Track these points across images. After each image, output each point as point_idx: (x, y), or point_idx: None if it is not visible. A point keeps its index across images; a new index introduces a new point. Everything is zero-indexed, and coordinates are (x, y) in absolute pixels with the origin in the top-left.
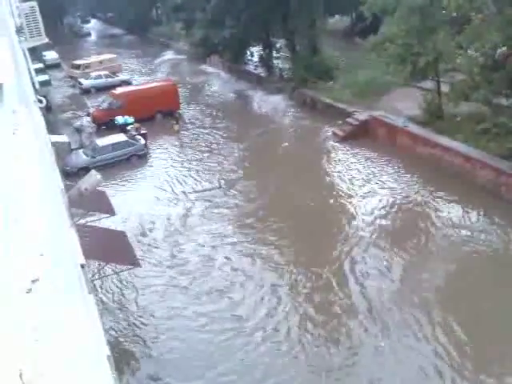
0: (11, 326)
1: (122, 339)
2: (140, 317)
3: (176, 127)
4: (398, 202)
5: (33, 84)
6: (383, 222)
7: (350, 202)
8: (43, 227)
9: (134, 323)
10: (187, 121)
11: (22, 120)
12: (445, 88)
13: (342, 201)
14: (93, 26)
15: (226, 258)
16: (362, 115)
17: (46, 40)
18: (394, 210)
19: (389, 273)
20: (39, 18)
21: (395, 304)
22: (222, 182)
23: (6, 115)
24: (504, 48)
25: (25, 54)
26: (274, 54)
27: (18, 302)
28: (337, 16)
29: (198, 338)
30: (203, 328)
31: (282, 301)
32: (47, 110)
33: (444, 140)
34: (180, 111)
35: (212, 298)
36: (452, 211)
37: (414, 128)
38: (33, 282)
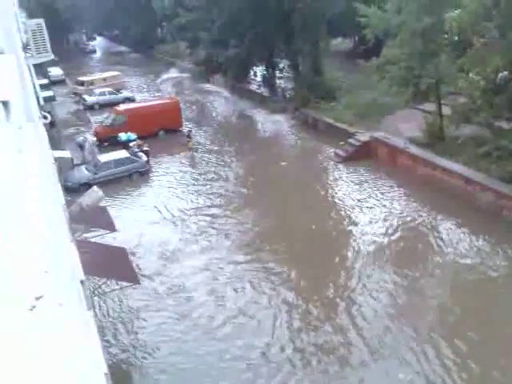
0: (14, 343)
1: (119, 356)
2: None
3: (190, 144)
4: (398, 223)
5: (37, 99)
6: (383, 244)
7: (351, 225)
8: (45, 243)
9: (131, 343)
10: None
11: (27, 136)
12: (446, 110)
13: (343, 223)
14: (98, 43)
15: (224, 281)
16: (363, 136)
17: (52, 57)
18: (394, 231)
19: (389, 298)
20: (46, 35)
21: (394, 335)
22: (222, 201)
23: (12, 131)
24: (506, 72)
25: (30, 70)
26: (277, 73)
27: (21, 320)
28: (339, 38)
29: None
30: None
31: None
32: (51, 126)
33: (445, 162)
34: (192, 129)
35: (211, 326)
36: (452, 234)
37: (414, 149)
38: (37, 299)
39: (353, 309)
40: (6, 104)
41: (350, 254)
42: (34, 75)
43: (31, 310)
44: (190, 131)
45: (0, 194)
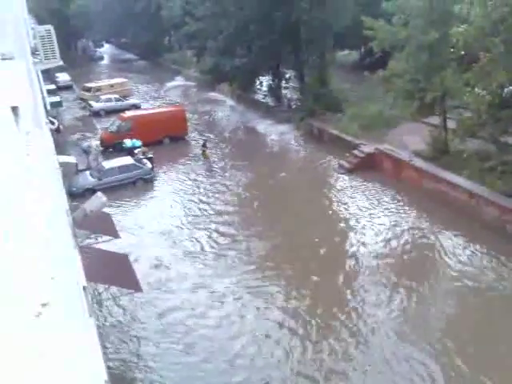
0: (17, 348)
1: (119, 363)
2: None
3: (206, 154)
4: (402, 236)
5: (44, 105)
6: (387, 257)
7: (355, 237)
8: (49, 248)
9: (132, 351)
10: (194, 146)
11: (34, 141)
12: (451, 124)
13: (347, 236)
14: (106, 50)
15: (221, 294)
16: (368, 148)
17: (61, 63)
18: (398, 244)
19: (392, 311)
20: (55, 41)
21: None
22: (225, 212)
23: (20, 136)
24: (511, 87)
25: (38, 76)
26: (283, 84)
27: (27, 326)
28: (346, 50)
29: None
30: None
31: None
32: (57, 132)
33: (449, 175)
34: (208, 139)
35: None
36: (456, 247)
37: (419, 162)
38: (43, 305)
39: (356, 326)
40: (15, 109)
41: (352, 268)
42: (41, 81)
43: (37, 316)
44: (206, 141)
45: (6, 198)
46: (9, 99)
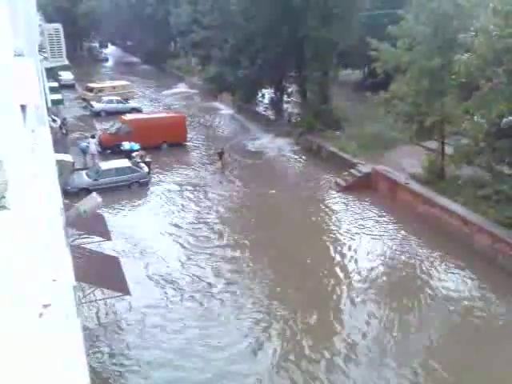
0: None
1: (102, 365)
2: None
3: (219, 164)
4: (393, 260)
5: (46, 102)
6: (377, 281)
7: (346, 259)
8: (43, 246)
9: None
10: (191, 153)
11: (38, 139)
12: (449, 150)
13: (338, 257)
14: (111, 52)
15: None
16: (365, 167)
17: (67, 62)
18: (388, 269)
19: (380, 336)
20: (62, 40)
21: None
22: (215, 224)
23: (27, 134)
24: (510, 117)
25: (42, 73)
26: (285, 98)
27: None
28: (349, 69)
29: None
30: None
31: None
32: (66, 134)
33: (444, 201)
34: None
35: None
36: (446, 275)
37: (415, 186)
38: (44, 306)
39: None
40: (23, 108)
41: (341, 292)
42: (45, 78)
43: (40, 317)
44: (223, 150)
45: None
46: (19, 97)
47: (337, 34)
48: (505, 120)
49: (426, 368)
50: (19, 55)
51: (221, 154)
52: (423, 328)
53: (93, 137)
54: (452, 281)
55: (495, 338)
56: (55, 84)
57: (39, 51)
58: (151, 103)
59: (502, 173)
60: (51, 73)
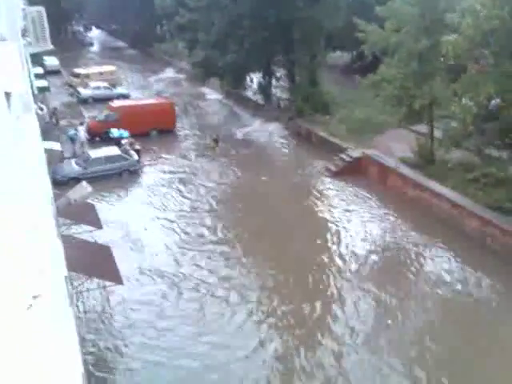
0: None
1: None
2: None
3: (216, 150)
4: (384, 245)
5: (31, 89)
6: (368, 265)
7: (336, 244)
8: (32, 236)
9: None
10: (180, 140)
11: (23, 126)
12: (438, 133)
13: (329, 242)
14: (96, 36)
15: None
16: (355, 152)
17: (51, 47)
18: (379, 253)
19: (370, 318)
20: (46, 24)
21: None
22: (204, 210)
23: (11, 122)
24: (498, 99)
25: (27, 59)
26: (274, 82)
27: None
28: (338, 52)
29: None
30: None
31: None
32: (56, 124)
33: (433, 185)
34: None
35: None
36: (437, 258)
37: (404, 170)
38: (34, 297)
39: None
40: (8, 94)
41: (332, 276)
42: (29, 64)
43: (28, 308)
44: (218, 136)
45: None
46: (3, 83)
47: (324, 15)
48: (493, 102)
49: (420, 351)
50: (2, 40)
51: (216, 141)
52: (415, 310)
53: (81, 124)
54: (442, 264)
55: (484, 318)
56: (40, 70)
57: (23, 36)
58: (139, 89)
59: (491, 156)
60: (36, 58)
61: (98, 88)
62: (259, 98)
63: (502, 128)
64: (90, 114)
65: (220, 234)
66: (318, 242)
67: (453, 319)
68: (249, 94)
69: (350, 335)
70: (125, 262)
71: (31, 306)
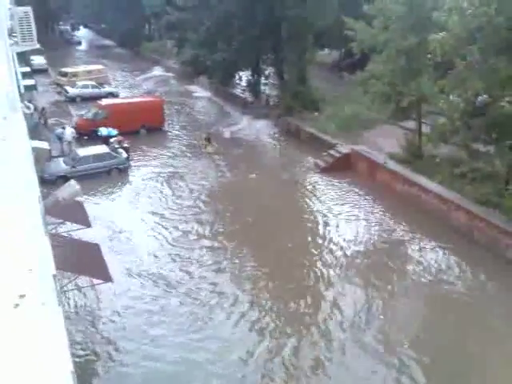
0: None
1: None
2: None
3: (209, 148)
4: (373, 239)
5: (18, 88)
6: (357, 260)
7: (326, 240)
8: (21, 235)
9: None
10: (169, 138)
11: (10, 126)
12: (426, 129)
13: (318, 238)
14: (84, 35)
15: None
16: (344, 148)
17: (38, 46)
18: (368, 248)
19: (358, 312)
20: (33, 24)
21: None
22: (194, 207)
23: None
24: (485, 96)
25: (13, 58)
26: (263, 80)
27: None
28: (326, 49)
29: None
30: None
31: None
32: (44, 124)
33: (422, 180)
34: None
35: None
36: (425, 252)
37: (393, 165)
38: (21, 297)
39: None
40: None
41: (319, 270)
42: (16, 63)
43: (15, 307)
44: (210, 134)
45: None
46: None
47: (312, 13)
48: (480, 98)
49: (410, 343)
50: None
51: (209, 140)
52: (404, 303)
53: (68, 125)
54: (431, 257)
55: (472, 310)
56: (27, 69)
57: (9, 35)
58: (127, 88)
59: (478, 151)
60: (23, 57)
61: (86, 87)
62: (248, 96)
63: (489, 123)
64: (78, 113)
65: (207, 232)
66: (307, 236)
67: (441, 309)
68: (238, 91)
69: (339, 329)
70: (113, 260)
71: (18, 305)
